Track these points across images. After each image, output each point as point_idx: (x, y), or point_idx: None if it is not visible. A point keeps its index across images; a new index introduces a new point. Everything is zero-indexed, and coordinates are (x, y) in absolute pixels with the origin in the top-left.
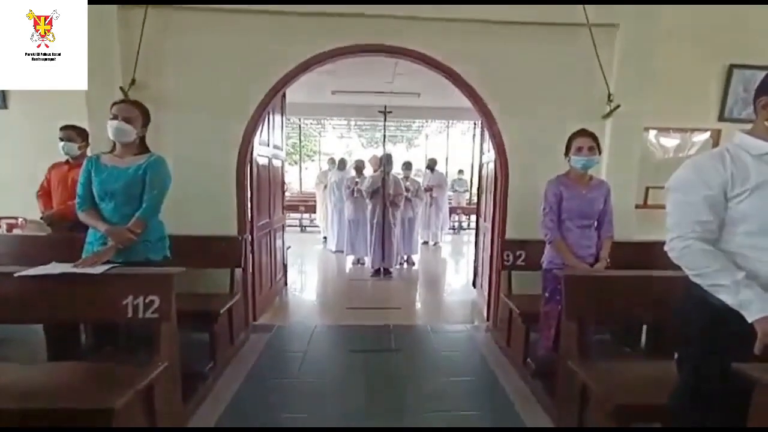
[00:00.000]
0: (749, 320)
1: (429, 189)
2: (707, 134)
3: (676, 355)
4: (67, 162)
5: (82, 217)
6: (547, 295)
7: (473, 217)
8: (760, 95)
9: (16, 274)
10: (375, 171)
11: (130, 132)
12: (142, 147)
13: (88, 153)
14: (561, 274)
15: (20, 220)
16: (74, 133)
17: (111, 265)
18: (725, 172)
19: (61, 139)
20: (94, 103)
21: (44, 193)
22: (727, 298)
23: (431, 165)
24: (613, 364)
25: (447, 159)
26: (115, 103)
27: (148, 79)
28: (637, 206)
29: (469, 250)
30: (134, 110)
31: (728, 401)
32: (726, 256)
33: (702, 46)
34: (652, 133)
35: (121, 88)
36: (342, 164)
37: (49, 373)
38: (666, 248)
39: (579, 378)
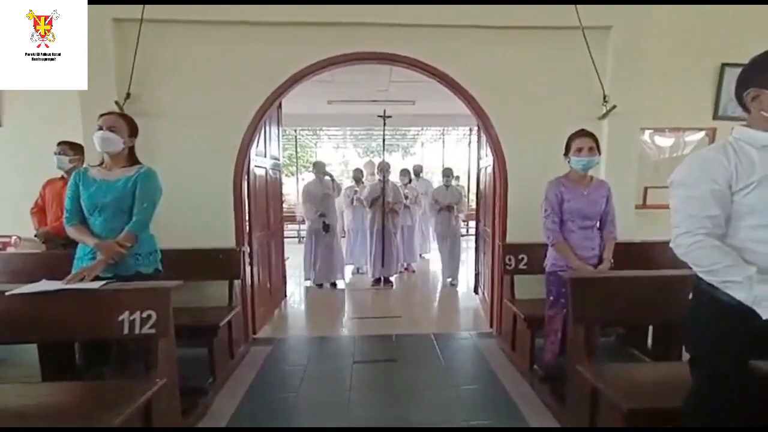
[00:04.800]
0: (764, 317)
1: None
2: (702, 133)
3: (688, 356)
4: (62, 178)
5: (70, 231)
6: (551, 298)
7: (471, 223)
8: (746, 88)
9: (7, 293)
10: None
11: (115, 141)
12: (131, 159)
13: None
14: (565, 277)
15: (14, 238)
16: (67, 147)
17: (104, 281)
18: (729, 165)
19: (56, 154)
20: (89, 118)
21: (38, 210)
22: (740, 294)
23: (417, 171)
24: (622, 366)
25: (443, 166)
26: (101, 115)
27: (144, 93)
28: (636, 207)
29: (469, 257)
30: (119, 120)
31: (746, 402)
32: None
33: (694, 46)
34: (647, 133)
35: (116, 102)
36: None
37: (44, 393)
38: (672, 245)
39: (589, 382)
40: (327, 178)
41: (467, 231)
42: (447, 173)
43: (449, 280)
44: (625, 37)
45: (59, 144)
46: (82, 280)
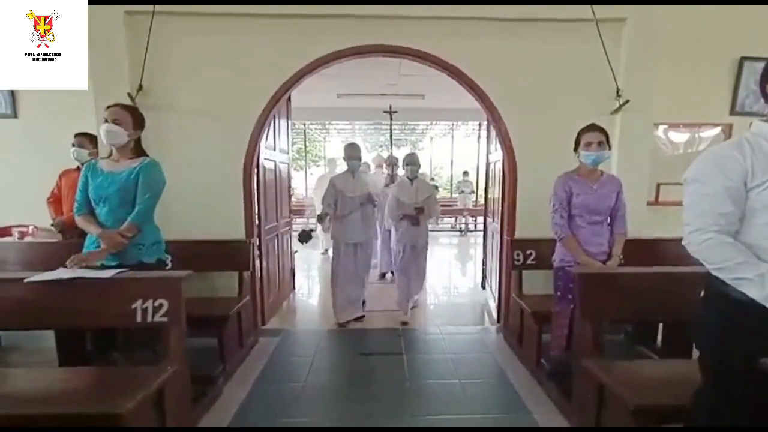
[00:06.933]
0: None
1: None
2: (718, 129)
3: (698, 353)
4: (77, 168)
5: (78, 221)
6: (559, 294)
7: (480, 219)
8: None
9: (26, 280)
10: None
11: (119, 133)
12: (137, 151)
13: None
14: (573, 272)
15: (31, 227)
16: (86, 140)
17: (114, 270)
18: (745, 161)
19: (73, 145)
20: (102, 110)
21: (55, 200)
22: (752, 291)
23: (391, 163)
24: (630, 363)
25: (452, 161)
26: (108, 107)
27: (155, 85)
28: (648, 203)
29: (477, 252)
30: (124, 113)
31: (756, 399)
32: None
33: (711, 39)
34: (662, 128)
35: (128, 94)
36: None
37: (59, 378)
38: (684, 242)
39: (596, 378)
40: (362, 171)
41: (475, 227)
42: (411, 161)
43: (409, 305)
44: (640, 30)
45: (77, 136)
46: (80, 263)
